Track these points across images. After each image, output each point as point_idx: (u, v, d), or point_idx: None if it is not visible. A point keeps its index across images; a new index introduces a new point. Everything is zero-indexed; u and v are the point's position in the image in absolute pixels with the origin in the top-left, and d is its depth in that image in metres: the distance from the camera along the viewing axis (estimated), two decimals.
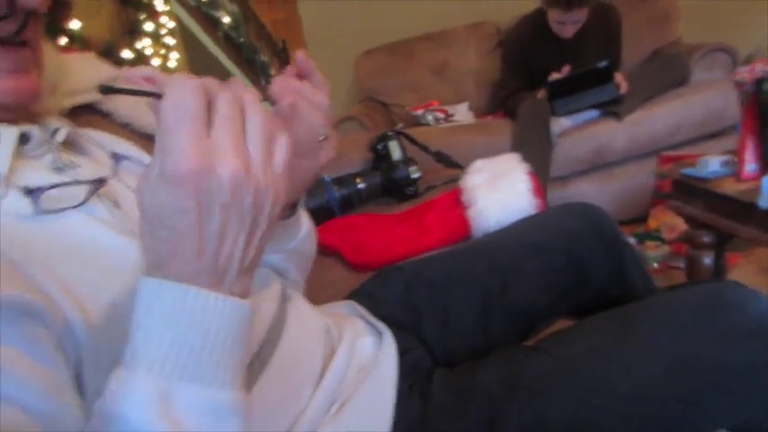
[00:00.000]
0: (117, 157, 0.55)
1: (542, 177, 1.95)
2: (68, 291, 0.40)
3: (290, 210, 0.61)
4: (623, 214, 2.08)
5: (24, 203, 0.43)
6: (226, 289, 0.35)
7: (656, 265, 1.65)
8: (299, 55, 0.53)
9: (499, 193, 0.95)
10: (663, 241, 1.78)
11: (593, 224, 0.79)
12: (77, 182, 0.47)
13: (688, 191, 1.17)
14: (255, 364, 0.50)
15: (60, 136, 0.51)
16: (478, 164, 1.09)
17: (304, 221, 0.66)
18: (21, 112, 0.51)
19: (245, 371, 0.36)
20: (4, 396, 0.33)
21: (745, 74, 1.03)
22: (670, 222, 1.76)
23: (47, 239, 0.42)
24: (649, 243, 1.77)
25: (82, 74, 0.77)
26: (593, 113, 2.06)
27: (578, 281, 0.76)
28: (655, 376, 0.53)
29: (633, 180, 2.05)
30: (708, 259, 1.23)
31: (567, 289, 0.76)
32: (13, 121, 0.48)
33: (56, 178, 0.47)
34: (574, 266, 0.76)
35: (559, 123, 2.01)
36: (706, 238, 1.20)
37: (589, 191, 2.07)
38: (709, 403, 0.53)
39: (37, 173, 0.46)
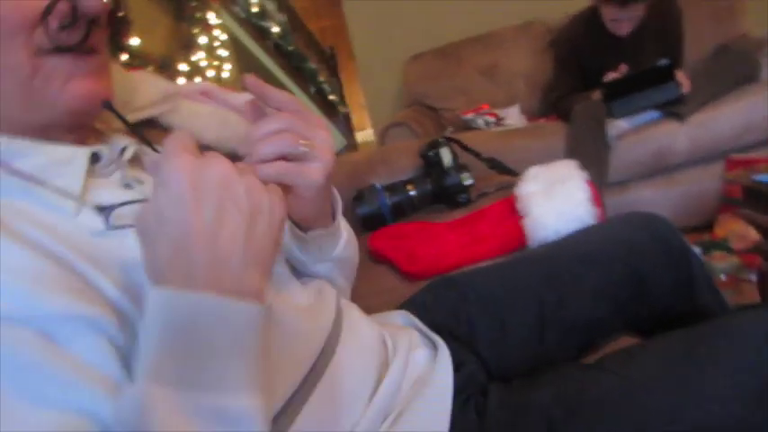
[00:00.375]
0: None
1: (599, 182, 1.88)
2: (140, 304, 0.41)
3: (327, 219, 0.61)
4: (686, 221, 1.97)
5: (97, 220, 0.45)
6: (230, 283, 0.34)
7: (723, 277, 1.55)
8: (248, 79, 0.49)
9: (556, 201, 0.92)
10: (731, 251, 1.67)
11: (656, 235, 0.75)
12: (145, 199, 0.49)
13: (760, 198, 1.09)
14: (310, 378, 0.50)
15: (128, 154, 0.53)
16: (534, 171, 1.06)
17: (344, 228, 0.66)
18: (89, 129, 0.53)
19: (261, 374, 0.35)
20: (81, 409, 0.34)
21: None
22: (739, 231, 1.65)
23: (119, 254, 0.44)
24: (716, 253, 1.67)
25: (144, 89, 0.81)
26: (654, 115, 1.96)
27: (639, 294, 0.72)
28: (731, 405, 0.49)
29: (697, 185, 1.93)
30: None
31: (626, 303, 0.72)
32: (82, 140, 0.50)
33: (125, 195, 0.49)
34: (634, 279, 0.72)
35: (616, 125, 1.93)
36: None
37: (649, 196, 1.98)
38: None
39: (107, 190, 0.48)
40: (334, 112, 5.26)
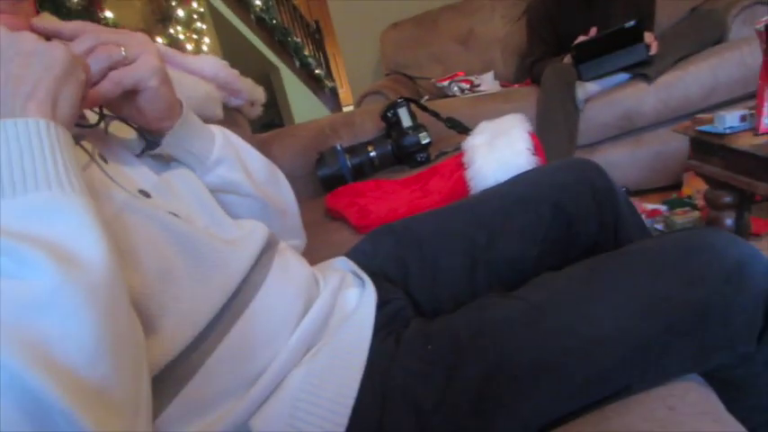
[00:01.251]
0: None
1: (568, 144, 1.91)
2: None
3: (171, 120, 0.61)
4: (657, 181, 2.01)
5: None
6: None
7: None
8: (35, 23, 0.51)
9: (497, 151, 0.94)
10: (695, 208, 1.71)
11: (585, 178, 0.77)
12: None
13: (705, 149, 1.12)
14: (232, 306, 0.53)
15: None
16: (482, 125, 1.08)
17: (216, 129, 0.68)
18: None
19: (65, 174, 0.40)
20: None
21: (764, 21, 0.97)
22: (703, 188, 1.68)
23: None
24: (679, 210, 1.71)
25: None
26: (623, 77, 1.98)
27: (567, 235, 0.75)
28: (619, 319, 0.52)
29: (666, 145, 1.96)
30: (729, 220, 1.19)
31: (555, 243, 0.75)
32: None
33: None
34: (562, 220, 0.75)
35: (585, 88, 1.95)
36: (726, 199, 1.15)
37: (619, 158, 2.00)
38: (675, 346, 0.52)
39: None
40: (321, 86, 5.22)
